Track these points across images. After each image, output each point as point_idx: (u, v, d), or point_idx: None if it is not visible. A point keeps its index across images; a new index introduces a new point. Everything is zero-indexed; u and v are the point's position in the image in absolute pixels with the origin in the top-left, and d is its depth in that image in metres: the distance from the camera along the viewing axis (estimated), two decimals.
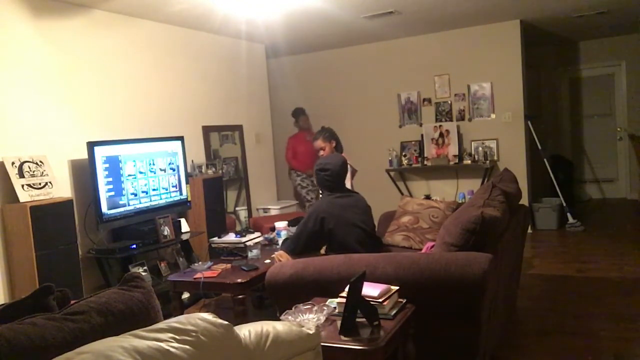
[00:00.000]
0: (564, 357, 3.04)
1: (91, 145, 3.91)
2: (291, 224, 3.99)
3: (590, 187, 8.41)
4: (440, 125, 6.64)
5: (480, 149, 6.43)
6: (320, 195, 4.16)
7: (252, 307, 4.08)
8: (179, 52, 5.26)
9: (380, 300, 2.15)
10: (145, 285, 1.53)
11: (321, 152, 4.36)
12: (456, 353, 2.41)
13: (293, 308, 2.11)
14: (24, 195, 3.52)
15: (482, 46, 6.42)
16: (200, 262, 3.66)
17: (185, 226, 4.75)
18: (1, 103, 3.64)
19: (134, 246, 4.05)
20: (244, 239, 3.77)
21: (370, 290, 2.18)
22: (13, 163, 3.55)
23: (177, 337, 1.17)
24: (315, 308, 2.11)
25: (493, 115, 6.47)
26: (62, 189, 3.88)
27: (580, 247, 5.53)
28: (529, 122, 6.44)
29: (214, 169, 5.39)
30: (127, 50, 4.66)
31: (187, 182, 4.82)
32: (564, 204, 6.44)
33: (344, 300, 2.08)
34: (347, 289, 2.03)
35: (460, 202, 5.68)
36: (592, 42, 7.98)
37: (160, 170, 4.55)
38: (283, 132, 7.41)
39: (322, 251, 3.26)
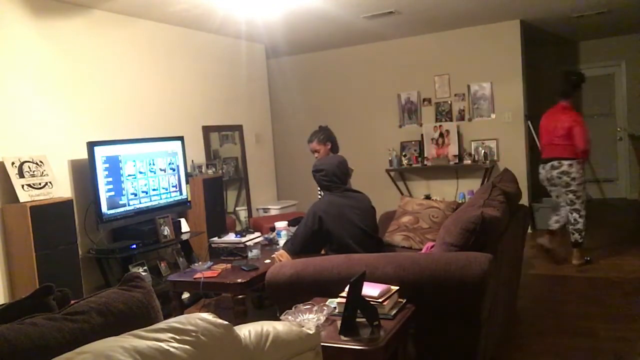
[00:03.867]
0: (564, 357, 3.04)
1: (91, 145, 3.91)
2: (291, 224, 3.99)
3: (590, 187, 8.39)
4: (440, 125, 6.64)
5: (480, 149, 6.43)
6: (320, 195, 4.16)
7: (252, 307, 4.08)
8: (179, 52, 5.26)
9: (380, 300, 2.15)
10: (145, 285, 1.53)
11: (315, 155, 4.29)
12: (456, 353, 2.41)
13: (293, 308, 2.10)
14: (24, 195, 3.52)
15: (482, 46, 6.42)
16: (200, 262, 3.65)
17: (185, 226, 4.75)
18: (1, 103, 3.64)
19: (134, 246, 4.05)
20: (244, 239, 3.77)
21: (370, 290, 2.18)
22: (13, 163, 3.55)
23: (177, 337, 1.17)
24: (315, 308, 2.10)
25: (493, 115, 6.47)
26: (62, 189, 3.88)
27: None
28: (529, 122, 6.45)
29: (214, 169, 5.39)
30: (127, 50, 4.66)
31: (187, 182, 4.82)
32: None
33: (344, 300, 2.08)
34: (347, 289, 2.03)
35: (460, 202, 5.67)
36: (592, 42, 7.98)
37: (160, 170, 4.55)
38: (283, 132, 7.42)
39: (323, 251, 3.26)
